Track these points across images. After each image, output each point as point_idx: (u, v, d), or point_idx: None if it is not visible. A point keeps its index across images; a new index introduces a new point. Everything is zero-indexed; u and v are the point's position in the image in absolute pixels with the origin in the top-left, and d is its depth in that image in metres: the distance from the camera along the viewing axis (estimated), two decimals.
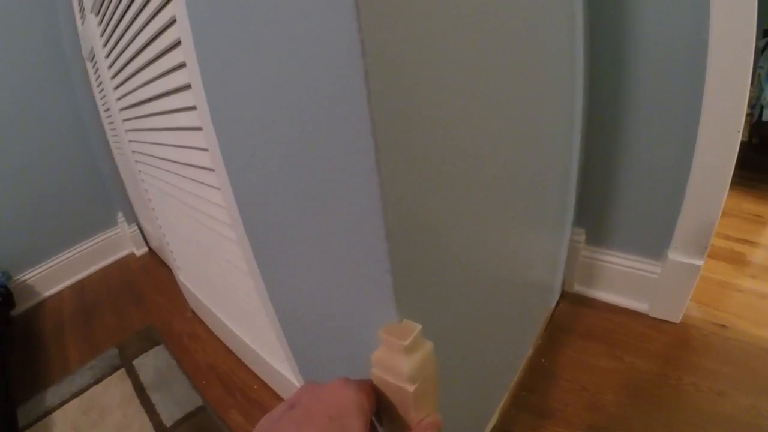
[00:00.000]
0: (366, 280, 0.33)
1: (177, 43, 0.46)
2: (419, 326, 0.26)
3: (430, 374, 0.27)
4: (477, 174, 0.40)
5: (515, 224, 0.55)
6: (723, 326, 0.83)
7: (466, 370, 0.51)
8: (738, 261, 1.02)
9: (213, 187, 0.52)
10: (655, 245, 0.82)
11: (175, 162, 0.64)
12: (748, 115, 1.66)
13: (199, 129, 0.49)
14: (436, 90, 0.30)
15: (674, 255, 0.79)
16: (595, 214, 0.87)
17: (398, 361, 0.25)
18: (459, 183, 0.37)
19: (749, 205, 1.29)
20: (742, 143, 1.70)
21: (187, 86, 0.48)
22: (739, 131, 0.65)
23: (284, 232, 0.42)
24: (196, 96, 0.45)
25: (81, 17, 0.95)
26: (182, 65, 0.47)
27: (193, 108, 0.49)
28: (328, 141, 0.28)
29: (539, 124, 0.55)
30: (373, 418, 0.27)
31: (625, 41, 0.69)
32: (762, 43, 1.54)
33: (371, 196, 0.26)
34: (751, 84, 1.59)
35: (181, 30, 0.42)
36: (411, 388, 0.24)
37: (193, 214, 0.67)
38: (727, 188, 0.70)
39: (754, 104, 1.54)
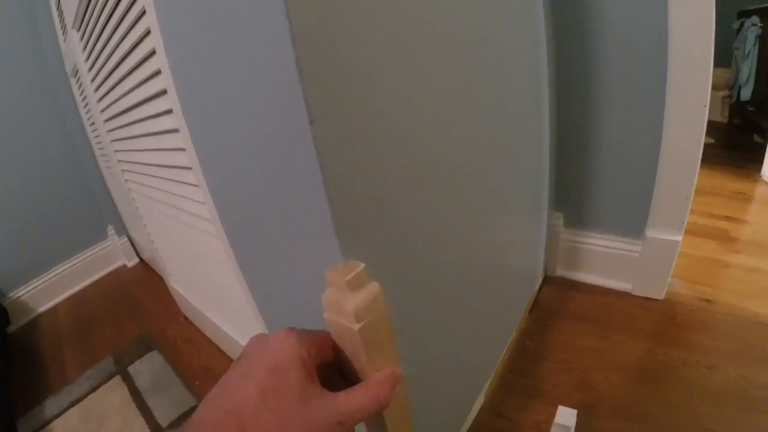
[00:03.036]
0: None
1: (153, 53, 0.49)
2: (362, 264, 0.26)
3: (380, 317, 0.26)
4: (429, 153, 0.41)
5: (483, 206, 0.56)
6: (708, 301, 0.84)
7: (445, 351, 0.52)
8: (723, 238, 1.03)
9: (192, 185, 0.54)
10: (633, 224, 0.83)
11: (157, 165, 0.66)
12: (727, 96, 1.68)
13: (176, 131, 0.51)
14: (376, 73, 0.32)
15: (652, 232, 0.80)
16: (572, 197, 0.88)
17: (343, 298, 0.25)
18: (408, 163, 0.38)
19: (733, 183, 1.31)
20: (724, 124, 1.72)
21: (163, 92, 0.50)
22: (705, 105, 0.67)
23: (251, 219, 0.44)
24: (171, 100, 0.47)
25: (63, 34, 0.97)
26: (158, 72, 0.49)
27: (170, 111, 0.51)
28: (274, 129, 0.31)
29: (503, 108, 0.57)
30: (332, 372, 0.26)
31: (590, 27, 0.71)
32: (737, 24, 1.57)
33: (315, 184, 0.28)
34: (729, 65, 1.62)
35: (155, 40, 0.45)
36: (356, 326, 0.24)
37: (177, 215, 0.68)
38: (699, 163, 0.72)
39: (732, 85, 1.56)
